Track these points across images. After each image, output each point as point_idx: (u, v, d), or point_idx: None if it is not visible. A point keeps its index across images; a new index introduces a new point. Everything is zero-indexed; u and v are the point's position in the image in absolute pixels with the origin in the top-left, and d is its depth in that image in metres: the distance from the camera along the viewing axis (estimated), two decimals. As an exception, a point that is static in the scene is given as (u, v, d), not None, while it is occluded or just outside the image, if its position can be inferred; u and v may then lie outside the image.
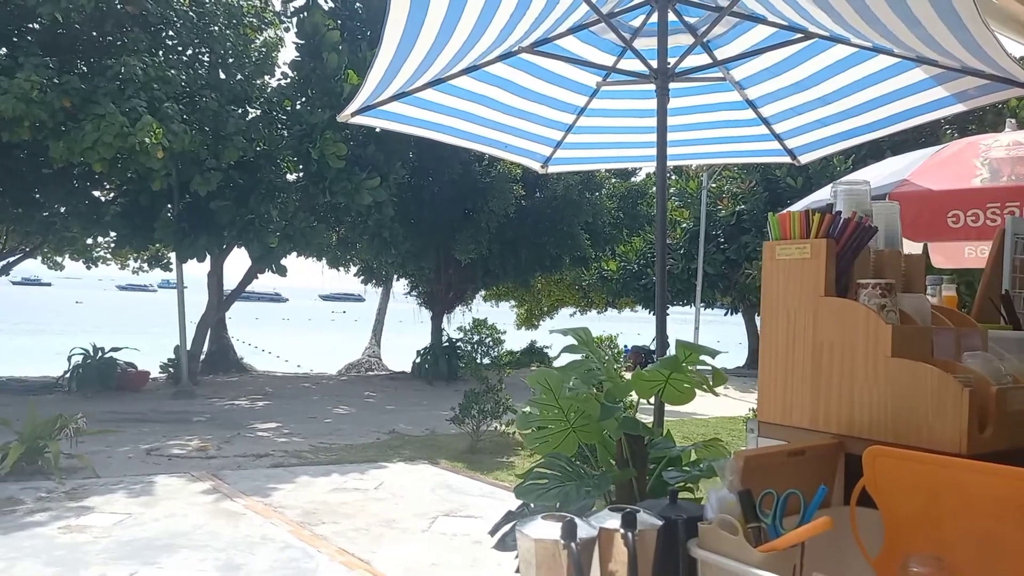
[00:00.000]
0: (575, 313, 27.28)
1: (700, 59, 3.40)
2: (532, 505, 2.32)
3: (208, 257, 14.13)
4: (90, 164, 10.38)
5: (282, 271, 14.47)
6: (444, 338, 17.70)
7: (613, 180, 21.62)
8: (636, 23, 3.36)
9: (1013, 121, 3.85)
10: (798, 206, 4.11)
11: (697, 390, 2.35)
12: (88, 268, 17.36)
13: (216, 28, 11.79)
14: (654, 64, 3.07)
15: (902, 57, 2.91)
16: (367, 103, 3.17)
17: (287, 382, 17.24)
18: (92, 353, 13.97)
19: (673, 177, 22.00)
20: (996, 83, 2.84)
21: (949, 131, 14.71)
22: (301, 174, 13.54)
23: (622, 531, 1.28)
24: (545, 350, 21.52)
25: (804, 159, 3.98)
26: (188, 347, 14.77)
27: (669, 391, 2.33)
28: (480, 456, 9.40)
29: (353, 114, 3.21)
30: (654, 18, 3.14)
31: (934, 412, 1.50)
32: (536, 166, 4.24)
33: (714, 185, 20.07)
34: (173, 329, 14.68)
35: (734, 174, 19.90)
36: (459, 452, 9.58)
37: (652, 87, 3.17)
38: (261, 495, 7.45)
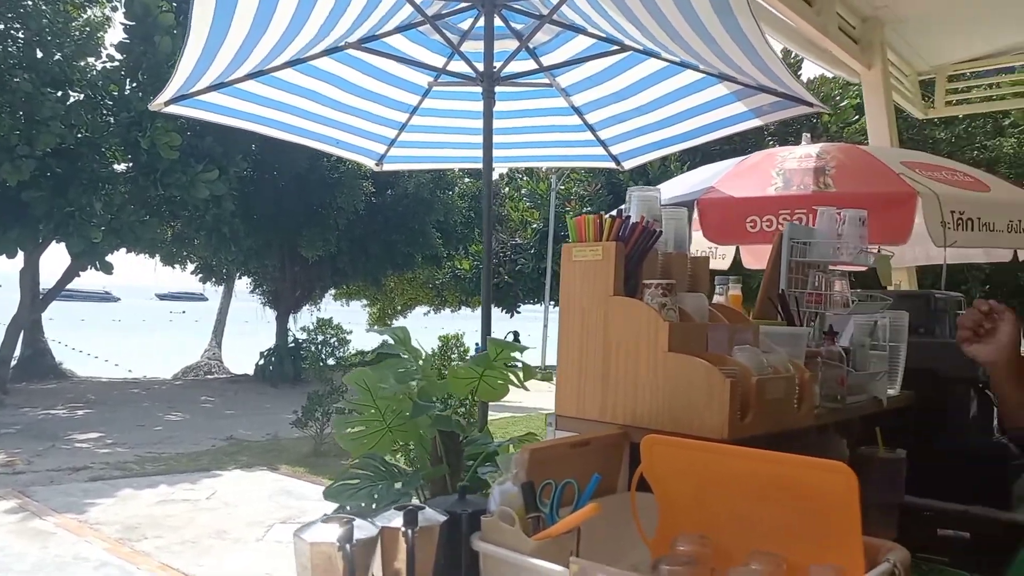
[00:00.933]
0: (429, 312, 27.20)
1: (527, 65, 3.50)
2: (348, 508, 2.29)
3: (21, 253, 12.83)
4: None
5: (107, 268, 13.40)
6: (290, 339, 17.08)
7: (466, 180, 21.76)
8: (465, 25, 3.40)
9: (808, 135, 4.24)
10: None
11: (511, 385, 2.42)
12: None
13: (30, 2, 10.70)
14: (481, 67, 3.12)
15: (706, 73, 3.14)
16: (183, 92, 2.99)
17: (113, 388, 16.01)
18: None
19: (524, 178, 22.50)
20: (786, 100, 3.13)
21: (771, 141, 15.96)
22: (131, 164, 12.58)
23: (403, 529, 1.30)
24: (398, 349, 21.24)
25: (628, 164, 4.19)
26: (-4, 352, 13.37)
27: (483, 388, 2.38)
28: (324, 460, 9.18)
29: (167, 103, 3.03)
30: (482, 22, 3.19)
31: (703, 402, 1.62)
32: (371, 163, 4.19)
33: (563, 187, 20.72)
34: (-22, 332, 13.24)
35: (581, 177, 20.63)
36: (302, 456, 9.31)
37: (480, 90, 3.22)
38: (76, 511, 6.88)
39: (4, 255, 12.13)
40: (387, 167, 4.20)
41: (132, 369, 19.93)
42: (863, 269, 2.58)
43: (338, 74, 3.40)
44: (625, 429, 1.74)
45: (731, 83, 3.13)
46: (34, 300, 14.93)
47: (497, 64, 3.18)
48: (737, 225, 3.45)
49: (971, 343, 1.69)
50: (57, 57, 11.11)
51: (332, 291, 21.60)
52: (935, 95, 5.99)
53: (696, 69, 3.13)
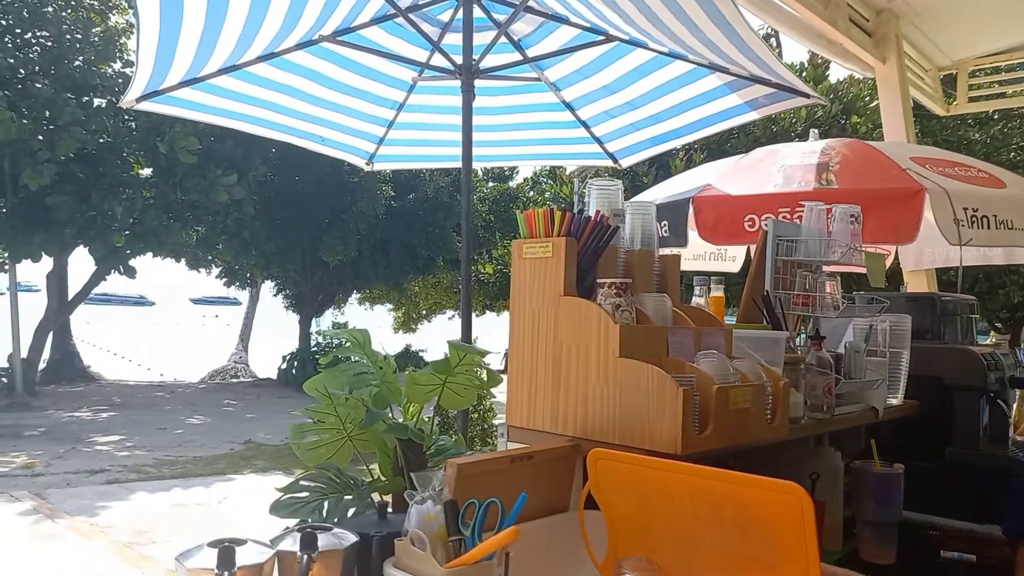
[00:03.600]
0: (454, 316, 27.15)
1: (514, 57, 3.36)
2: (310, 520, 2.18)
3: (46, 257, 13.03)
4: None
5: (131, 272, 13.53)
6: (312, 342, 17.12)
7: (490, 184, 21.68)
8: (445, 17, 3.28)
9: (815, 131, 4.04)
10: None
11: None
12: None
13: (51, 9, 10.85)
14: (460, 60, 3.00)
15: (696, 63, 2.98)
16: (152, 88, 2.92)
17: (139, 391, 16.19)
18: (-94, 363, 12.59)
19: (548, 181, 22.34)
20: (782, 91, 2.96)
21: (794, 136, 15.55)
22: (152, 169, 12.71)
23: (298, 553, 1.17)
24: (421, 353, 21.28)
25: (625, 162, 4.03)
26: (24, 354, 13.57)
27: (447, 395, 2.25)
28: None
29: (138, 100, 2.95)
30: (462, 13, 3.07)
31: (655, 412, 1.48)
32: (361, 163, 4.10)
33: (586, 189, 20.50)
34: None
35: (604, 179, 20.38)
36: (317, 461, 9.27)
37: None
38: (88, 514, 6.91)
39: (30, 259, 12.32)
40: (377, 166, 4.10)
41: (164, 372, 20.18)
42: (862, 269, 2.40)
43: (317, 69, 3.30)
44: (576, 441, 1.61)
45: (723, 74, 2.97)
46: (61, 304, 15.16)
47: (484, 58, 3.05)
48: (735, 224, 3.28)
49: None
50: (78, 63, 11.25)
51: (356, 295, 21.64)
52: (957, 91, 5.73)
53: (685, 59, 2.98)
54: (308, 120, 3.60)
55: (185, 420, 12.78)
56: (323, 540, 1.22)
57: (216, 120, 3.40)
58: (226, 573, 1.07)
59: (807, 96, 2.94)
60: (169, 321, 56.12)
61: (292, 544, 1.20)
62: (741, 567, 1.29)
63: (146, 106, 3.03)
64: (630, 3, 2.43)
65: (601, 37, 3.01)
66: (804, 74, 19.81)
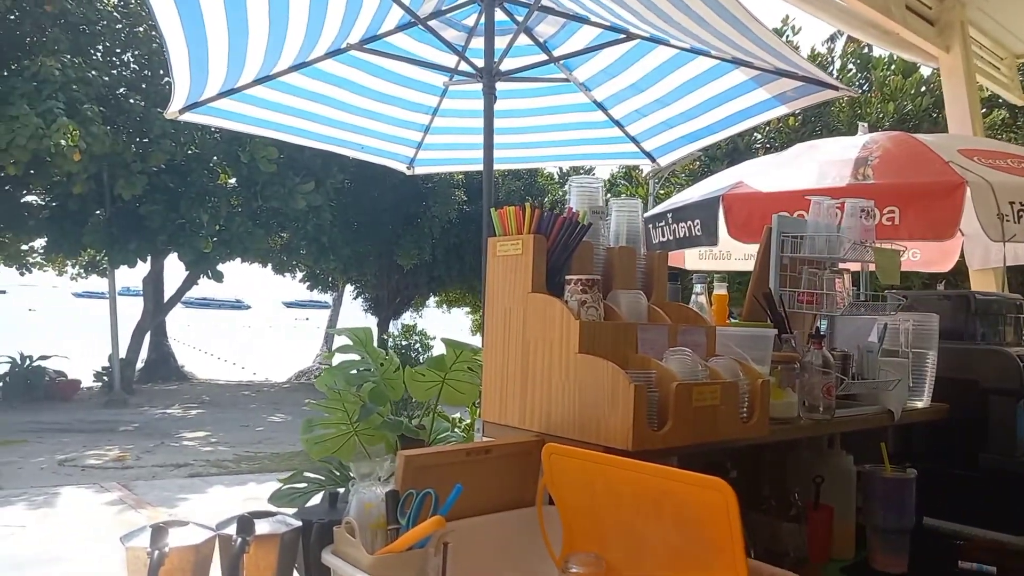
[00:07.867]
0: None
1: (540, 58, 3.38)
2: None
3: (141, 262, 13.86)
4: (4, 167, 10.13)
5: (219, 277, 14.23)
6: (389, 344, 17.55)
7: (564, 189, 21.68)
8: (470, 22, 3.33)
9: (865, 125, 3.88)
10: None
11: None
12: (22, 274, 16.87)
13: (141, 29, 11.57)
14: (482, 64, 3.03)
15: (719, 59, 2.92)
16: (194, 100, 3.08)
17: (227, 390, 16.97)
18: (20, 361, 13.62)
19: (624, 183, 22.14)
20: (810, 85, 2.86)
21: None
22: (235, 178, 13.35)
23: (235, 536, 1.23)
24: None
25: (663, 161, 3.98)
26: (123, 355, 14.47)
27: (448, 391, 2.30)
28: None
29: (181, 111, 3.13)
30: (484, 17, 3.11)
31: (608, 408, 1.47)
32: (402, 168, 4.20)
33: (662, 191, 20.21)
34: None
35: (681, 180, 20.06)
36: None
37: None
38: (168, 506, 7.30)
39: (126, 265, 13.13)
40: (418, 170, 4.19)
41: (256, 372, 21.07)
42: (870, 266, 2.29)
43: (350, 78, 3.40)
44: (541, 436, 1.61)
45: (748, 69, 2.90)
46: (157, 306, 16.08)
47: (504, 60, 3.08)
48: (765, 221, 3.18)
49: None
50: (166, 79, 11.94)
51: (433, 298, 22.02)
52: (1037, 78, 5.36)
53: (708, 55, 2.92)
54: (345, 128, 3.71)
55: (267, 418, 13.32)
56: (264, 525, 1.28)
57: (256, 131, 3.56)
58: (156, 552, 1.14)
59: (835, 88, 2.83)
60: (263, 323, 58.47)
61: (231, 527, 1.26)
62: (680, 561, 1.28)
63: (189, 117, 3.21)
64: (638, 2, 2.41)
65: (622, 35, 2.99)
66: (894, 66, 18.89)
